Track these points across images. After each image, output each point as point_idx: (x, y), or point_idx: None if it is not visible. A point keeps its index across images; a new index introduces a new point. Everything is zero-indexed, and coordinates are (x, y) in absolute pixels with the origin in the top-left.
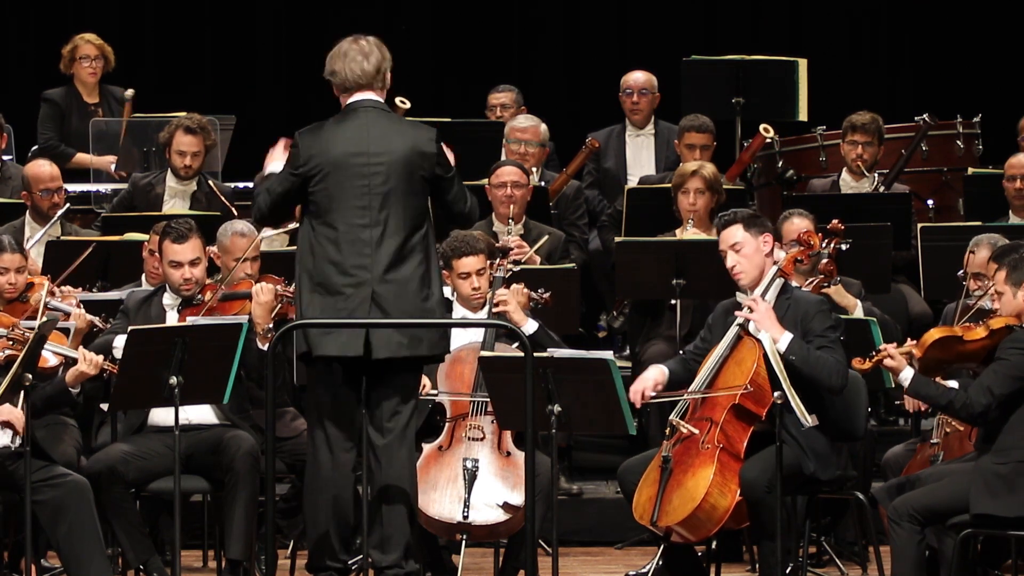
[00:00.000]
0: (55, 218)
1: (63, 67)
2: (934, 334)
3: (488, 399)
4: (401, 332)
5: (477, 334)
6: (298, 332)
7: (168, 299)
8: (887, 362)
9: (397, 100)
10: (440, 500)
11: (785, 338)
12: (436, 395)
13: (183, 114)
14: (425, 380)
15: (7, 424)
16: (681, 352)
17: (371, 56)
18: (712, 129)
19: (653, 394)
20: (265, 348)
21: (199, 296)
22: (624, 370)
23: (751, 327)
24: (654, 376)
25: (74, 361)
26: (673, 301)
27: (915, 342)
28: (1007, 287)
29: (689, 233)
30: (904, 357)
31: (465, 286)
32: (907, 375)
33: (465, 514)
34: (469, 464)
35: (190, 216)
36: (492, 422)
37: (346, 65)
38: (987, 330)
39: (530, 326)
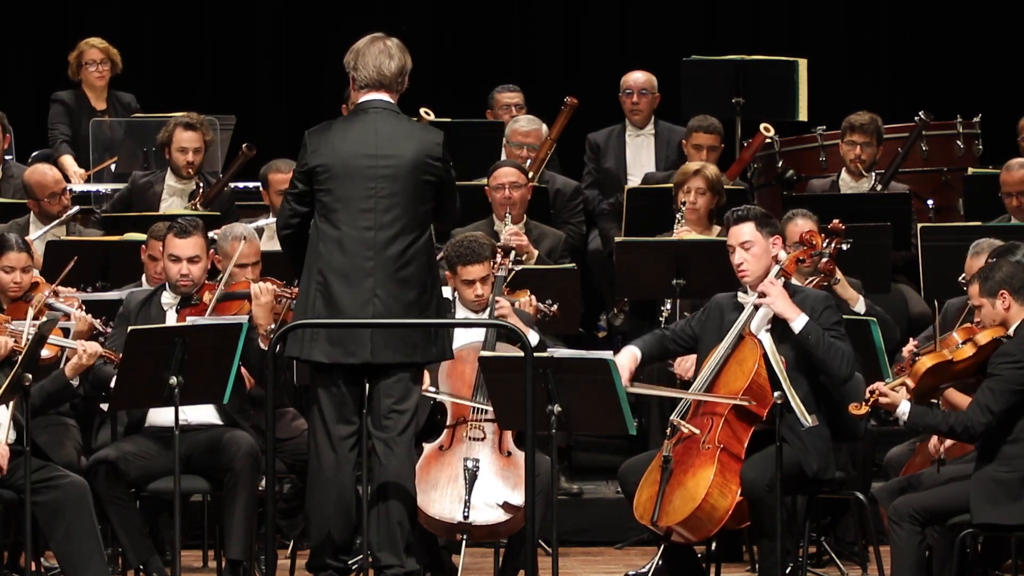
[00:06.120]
0: (63, 219)
1: (71, 73)
2: (926, 362)
3: (488, 401)
4: (400, 336)
5: (478, 334)
6: (300, 338)
7: (167, 298)
8: (882, 400)
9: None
10: (440, 500)
11: (801, 319)
12: (435, 393)
13: (179, 114)
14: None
15: None
16: (664, 331)
17: (395, 58)
18: (720, 131)
19: (626, 384)
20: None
21: (197, 296)
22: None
23: (754, 324)
24: (625, 364)
25: (72, 352)
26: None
27: (907, 373)
28: (984, 299)
29: (682, 232)
30: (899, 388)
31: (469, 292)
32: (904, 409)
33: (466, 514)
34: (470, 464)
35: (196, 216)
36: (493, 422)
37: (369, 62)
38: (974, 347)
39: (532, 337)
